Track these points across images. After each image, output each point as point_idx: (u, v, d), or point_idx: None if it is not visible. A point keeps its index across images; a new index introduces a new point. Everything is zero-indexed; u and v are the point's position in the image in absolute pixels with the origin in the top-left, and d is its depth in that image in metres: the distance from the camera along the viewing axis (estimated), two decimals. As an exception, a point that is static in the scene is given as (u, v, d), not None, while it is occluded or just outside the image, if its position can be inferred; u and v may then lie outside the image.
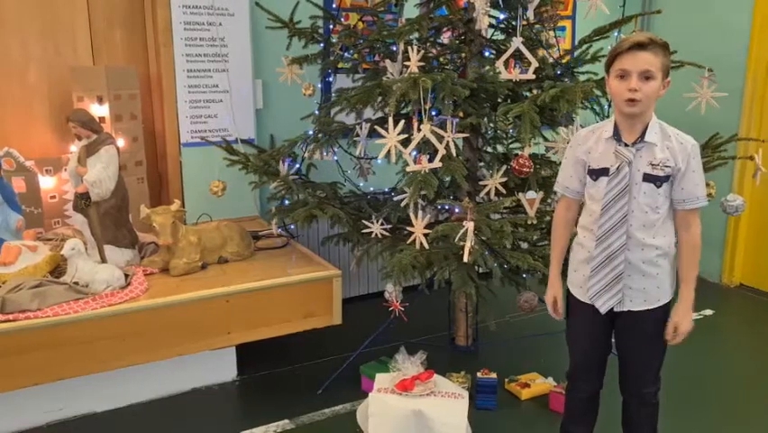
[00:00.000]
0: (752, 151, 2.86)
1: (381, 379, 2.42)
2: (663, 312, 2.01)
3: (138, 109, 3.35)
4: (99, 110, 3.16)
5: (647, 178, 1.91)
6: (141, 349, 2.57)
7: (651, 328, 2.02)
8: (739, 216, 3.15)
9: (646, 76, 1.84)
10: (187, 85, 3.46)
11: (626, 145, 1.93)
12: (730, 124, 4.03)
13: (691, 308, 1.99)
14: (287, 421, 2.71)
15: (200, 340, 2.67)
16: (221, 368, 3.01)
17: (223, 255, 3.04)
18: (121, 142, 3.10)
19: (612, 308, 2.02)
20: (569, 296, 2.18)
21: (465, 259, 2.36)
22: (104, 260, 2.81)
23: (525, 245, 2.79)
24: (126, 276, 2.71)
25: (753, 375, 3.16)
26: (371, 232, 2.85)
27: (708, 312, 3.90)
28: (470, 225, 2.36)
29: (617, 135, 1.95)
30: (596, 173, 1.99)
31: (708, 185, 2.21)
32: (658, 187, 1.91)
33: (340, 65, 3.32)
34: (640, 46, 1.83)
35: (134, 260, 2.95)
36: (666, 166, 1.89)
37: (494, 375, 2.85)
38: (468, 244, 2.35)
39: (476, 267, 2.58)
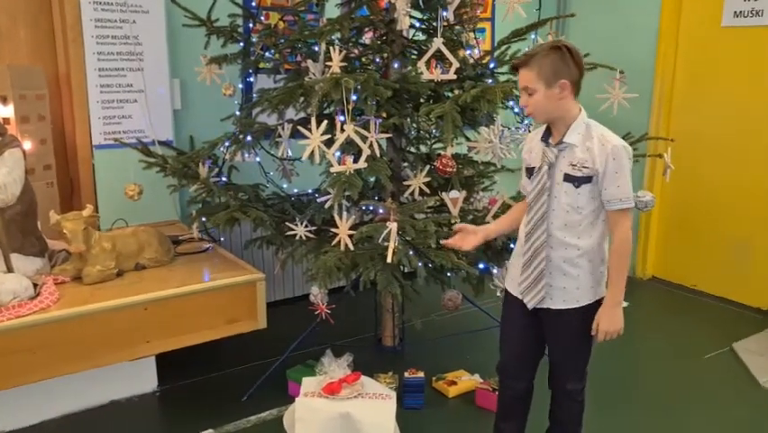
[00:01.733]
0: (661, 149, 2.99)
1: (308, 383, 2.39)
2: (584, 313, 2.04)
3: (46, 110, 3.17)
4: (3, 111, 2.98)
5: (567, 178, 1.96)
6: (54, 362, 2.43)
7: (572, 328, 2.06)
8: (650, 211, 3.29)
9: (528, 92, 1.95)
10: (98, 84, 3.31)
11: (550, 146, 1.98)
12: (640, 123, 4.20)
13: (615, 308, 2.04)
14: (211, 431, 2.64)
15: (117, 351, 2.56)
16: (140, 379, 2.90)
17: (140, 262, 2.92)
18: (27, 145, 2.93)
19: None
20: (505, 292, 2.22)
21: (389, 259, 2.36)
22: (10, 269, 2.65)
23: (449, 244, 2.81)
24: (35, 286, 2.57)
25: (667, 364, 3.31)
26: (296, 234, 2.82)
27: (624, 304, 4.04)
28: (393, 226, 2.37)
29: (545, 137, 2.02)
30: (529, 172, 2.09)
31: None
32: (576, 187, 1.95)
33: (261, 65, 3.26)
34: (516, 67, 1.98)
35: (44, 269, 2.80)
36: (584, 167, 1.93)
37: (421, 374, 2.86)
38: (392, 245, 2.36)
39: (401, 267, 2.58)
